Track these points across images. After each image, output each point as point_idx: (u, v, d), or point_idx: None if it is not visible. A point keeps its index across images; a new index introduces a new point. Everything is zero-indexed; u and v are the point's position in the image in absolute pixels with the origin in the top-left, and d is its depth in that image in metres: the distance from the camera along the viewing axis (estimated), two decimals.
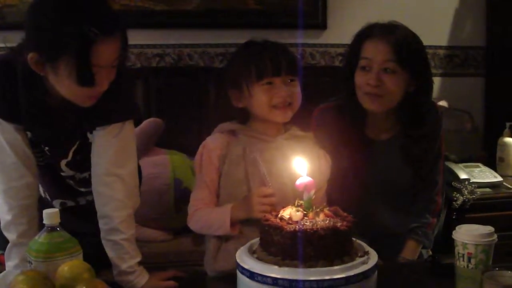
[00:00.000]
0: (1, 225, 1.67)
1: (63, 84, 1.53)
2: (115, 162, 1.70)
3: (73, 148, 1.77)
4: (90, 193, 1.86)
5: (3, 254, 1.75)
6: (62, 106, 1.65)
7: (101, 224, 1.72)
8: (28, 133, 1.68)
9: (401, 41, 1.91)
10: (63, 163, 1.79)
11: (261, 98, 1.75)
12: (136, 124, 2.65)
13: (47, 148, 1.74)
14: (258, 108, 1.78)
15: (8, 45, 1.71)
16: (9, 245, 1.66)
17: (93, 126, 1.71)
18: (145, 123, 2.74)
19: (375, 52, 1.93)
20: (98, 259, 1.54)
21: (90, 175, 1.82)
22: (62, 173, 1.83)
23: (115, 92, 1.65)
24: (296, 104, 1.79)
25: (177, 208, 2.57)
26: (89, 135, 1.74)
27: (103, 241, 1.71)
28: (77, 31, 1.44)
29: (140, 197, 1.81)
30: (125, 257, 1.69)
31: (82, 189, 1.90)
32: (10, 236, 1.65)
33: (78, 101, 1.60)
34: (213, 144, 1.80)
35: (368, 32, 1.96)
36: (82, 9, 1.47)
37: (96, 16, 1.48)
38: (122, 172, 1.71)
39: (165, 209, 2.60)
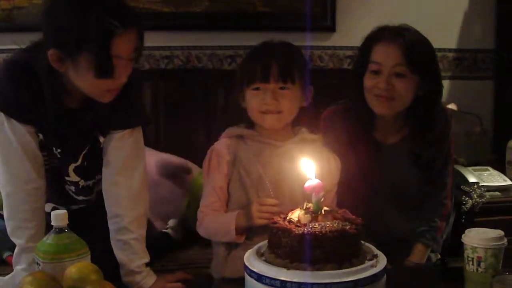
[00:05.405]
0: (8, 229, 1.67)
1: (83, 79, 1.56)
2: (127, 163, 1.74)
3: (84, 152, 1.77)
4: (85, 201, 1.88)
5: (11, 255, 1.75)
6: (81, 107, 1.67)
7: (111, 224, 1.73)
8: (40, 135, 1.68)
9: (411, 46, 1.90)
10: (71, 167, 1.79)
11: (251, 102, 1.77)
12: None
13: (59, 150, 1.74)
14: (250, 112, 1.79)
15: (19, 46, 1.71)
16: (17, 249, 1.66)
17: (109, 129, 1.73)
18: None
19: (386, 57, 1.92)
20: None
21: (94, 183, 1.85)
22: (67, 178, 1.82)
23: (132, 97, 1.70)
24: (288, 113, 1.77)
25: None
26: (101, 138, 1.75)
27: (112, 242, 1.73)
28: (98, 24, 1.48)
29: (149, 202, 1.82)
30: (133, 257, 1.70)
31: (80, 198, 1.89)
32: (18, 241, 1.65)
33: (97, 95, 1.62)
34: (221, 149, 1.80)
35: (378, 36, 1.96)
36: (101, 3, 1.52)
37: (116, 10, 1.53)
38: (133, 173, 1.74)
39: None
